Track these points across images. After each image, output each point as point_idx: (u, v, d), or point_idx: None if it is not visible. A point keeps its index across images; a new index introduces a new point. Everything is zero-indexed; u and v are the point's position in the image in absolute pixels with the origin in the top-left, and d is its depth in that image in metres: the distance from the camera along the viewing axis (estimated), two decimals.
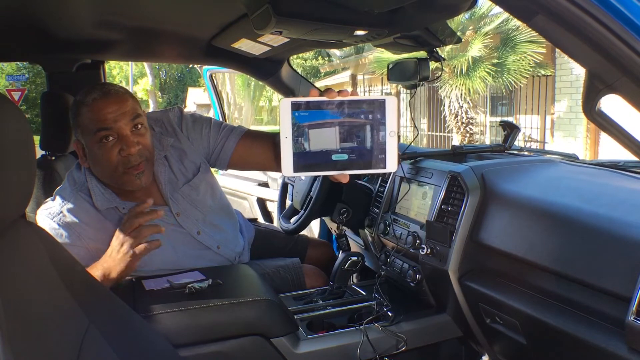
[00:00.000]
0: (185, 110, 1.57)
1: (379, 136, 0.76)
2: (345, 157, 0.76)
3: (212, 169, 1.57)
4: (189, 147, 1.47)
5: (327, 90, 0.78)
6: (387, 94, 11.58)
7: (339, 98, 0.76)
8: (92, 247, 1.29)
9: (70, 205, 1.30)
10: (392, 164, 0.77)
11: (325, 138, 0.75)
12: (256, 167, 1.67)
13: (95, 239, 1.30)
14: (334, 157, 0.76)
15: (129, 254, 1.17)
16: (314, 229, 2.38)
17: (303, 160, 0.75)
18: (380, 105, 0.76)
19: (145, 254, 1.19)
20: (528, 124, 8.13)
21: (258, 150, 1.48)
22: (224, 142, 1.48)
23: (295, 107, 0.75)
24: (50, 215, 1.29)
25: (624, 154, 0.97)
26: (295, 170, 0.76)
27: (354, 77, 12.33)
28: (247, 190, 2.94)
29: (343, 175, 0.81)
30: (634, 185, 1.27)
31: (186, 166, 1.46)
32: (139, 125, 1.31)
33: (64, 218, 1.29)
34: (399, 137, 1.90)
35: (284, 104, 0.74)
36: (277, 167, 1.49)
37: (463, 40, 7.43)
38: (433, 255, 1.37)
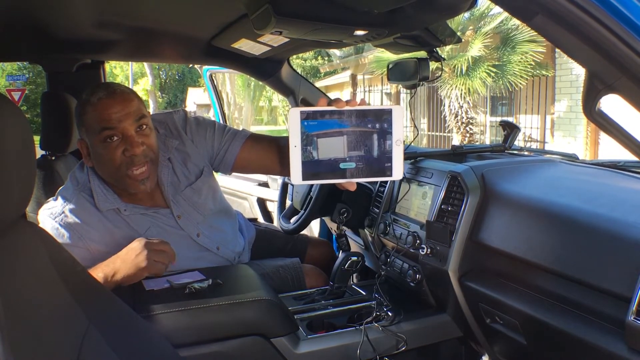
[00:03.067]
0: (189, 112, 1.57)
1: (385, 145, 0.78)
2: (352, 165, 0.78)
3: (215, 172, 1.57)
4: (193, 150, 1.47)
5: (335, 100, 0.78)
6: (387, 94, 11.59)
7: (347, 108, 0.77)
8: (93, 248, 1.30)
9: (72, 206, 1.30)
10: (398, 172, 0.79)
11: (333, 147, 0.77)
12: (260, 171, 1.66)
13: (96, 240, 1.30)
14: (342, 165, 0.77)
15: (145, 263, 1.17)
16: (314, 229, 2.38)
17: (312, 168, 0.77)
18: (387, 114, 0.77)
19: (157, 272, 1.21)
20: (528, 124, 8.12)
21: (261, 153, 1.48)
22: (228, 146, 1.48)
23: (304, 116, 0.76)
24: (52, 215, 1.29)
25: (624, 154, 0.97)
26: (304, 178, 0.77)
27: (354, 77, 12.33)
28: (247, 190, 2.94)
29: (350, 183, 0.82)
30: (634, 185, 1.27)
31: (189, 169, 1.46)
32: (144, 126, 1.30)
33: (65, 218, 1.29)
34: None
35: (293, 114, 0.76)
36: (281, 171, 1.49)
37: (463, 40, 7.43)
38: (433, 255, 1.37)
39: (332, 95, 8.47)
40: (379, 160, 0.78)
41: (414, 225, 1.50)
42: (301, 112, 0.76)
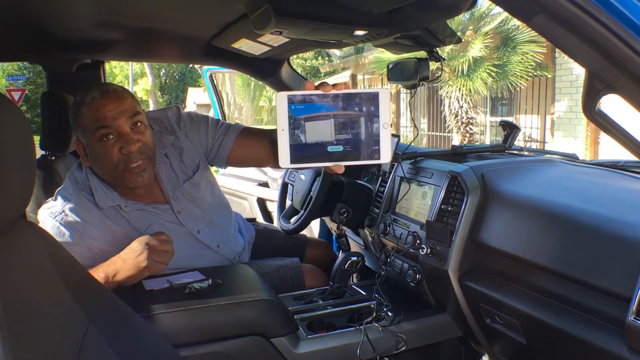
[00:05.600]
0: (185, 109, 1.57)
1: (372, 128, 0.78)
2: (340, 148, 0.78)
3: (212, 169, 1.57)
4: (188, 145, 1.48)
5: (322, 84, 0.79)
6: None
7: (333, 91, 0.78)
8: (94, 246, 1.30)
9: (72, 205, 1.31)
10: (386, 155, 0.79)
11: (320, 130, 0.77)
12: (254, 164, 1.68)
13: (97, 238, 1.30)
14: (330, 148, 0.78)
15: (145, 262, 1.17)
16: (314, 229, 2.38)
17: (299, 152, 0.77)
18: (373, 97, 0.78)
19: (157, 271, 1.20)
20: (528, 124, 8.12)
21: (255, 146, 1.49)
22: (222, 140, 1.49)
23: (291, 100, 0.77)
24: (52, 214, 1.29)
25: (624, 154, 0.97)
26: (292, 161, 0.78)
27: (354, 77, 12.33)
28: (247, 190, 2.94)
29: (339, 167, 0.83)
30: (634, 185, 1.27)
31: (186, 164, 1.47)
32: (139, 123, 1.32)
33: (66, 217, 1.29)
34: (398, 137, 1.90)
35: (280, 98, 0.77)
36: (275, 163, 1.49)
37: (463, 40, 7.42)
38: (433, 255, 1.37)
39: None
40: (367, 143, 0.78)
41: (414, 225, 1.50)
42: (288, 97, 0.76)
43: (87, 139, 1.30)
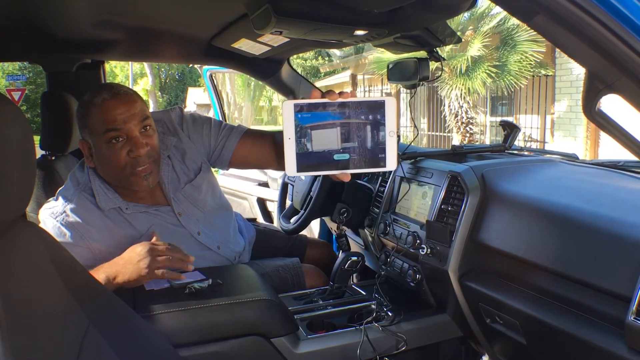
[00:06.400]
0: (186, 110, 1.57)
1: (379, 136, 0.79)
2: (346, 156, 0.79)
3: (213, 169, 1.57)
4: (190, 147, 1.48)
5: (328, 92, 0.79)
6: (387, 94, 11.60)
7: (340, 99, 0.78)
8: (94, 247, 1.30)
9: (73, 205, 1.30)
10: (392, 163, 0.80)
11: (327, 138, 0.78)
12: (257, 166, 1.67)
13: (97, 239, 1.30)
14: (336, 156, 0.78)
15: (146, 270, 1.16)
16: (314, 229, 2.38)
17: (306, 160, 0.78)
18: (379, 106, 0.78)
19: (158, 278, 1.19)
20: (528, 124, 8.12)
21: (258, 149, 1.49)
22: (225, 142, 1.49)
23: (298, 109, 0.77)
24: (53, 215, 1.29)
25: (624, 154, 0.97)
26: (299, 170, 0.78)
27: (354, 77, 12.33)
28: (247, 190, 2.94)
29: (345, 175, 0.83)
30: (634, 185, 1.27)
31: (188, 166, 1.47)
32: (148, 127, 1.31)
33: (67, 218, 1.29)
34: (399, 137, 1.90)
35: (286, 106, 0.77)
36: (277, 166, 1.51)
37: (463, 40, 7.42)
38: (433, 255, 1.37)
39: None
40: (373, 151, 0.79)
41: (414, 225, 1.50)
42: (295, 105, 0.77)
43: (95, 140, 1.29)
